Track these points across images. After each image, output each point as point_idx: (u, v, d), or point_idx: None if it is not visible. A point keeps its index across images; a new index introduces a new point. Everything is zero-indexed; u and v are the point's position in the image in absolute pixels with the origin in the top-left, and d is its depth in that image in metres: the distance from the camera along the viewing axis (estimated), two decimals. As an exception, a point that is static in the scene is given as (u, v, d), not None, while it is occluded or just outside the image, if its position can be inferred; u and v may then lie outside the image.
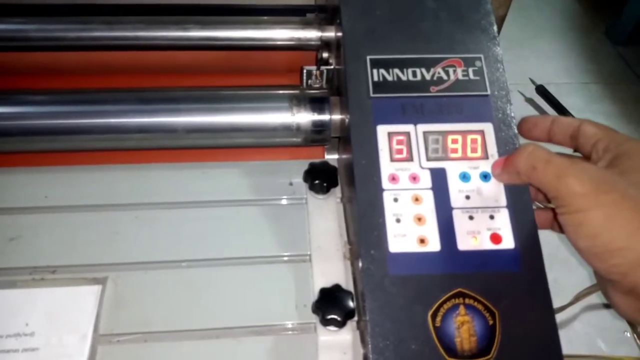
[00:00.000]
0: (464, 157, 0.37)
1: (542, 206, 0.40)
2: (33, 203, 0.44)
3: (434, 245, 0.35)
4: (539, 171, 0.32)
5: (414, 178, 0.37)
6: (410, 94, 0.39)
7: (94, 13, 0.49)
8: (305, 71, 0.47)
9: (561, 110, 1.31)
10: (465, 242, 0.35)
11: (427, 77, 0.39)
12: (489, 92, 0.39)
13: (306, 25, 0.48)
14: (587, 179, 0.31)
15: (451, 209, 0.36)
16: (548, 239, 0.38)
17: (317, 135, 0.44)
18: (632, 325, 0.71)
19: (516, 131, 0.38)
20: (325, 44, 0.47)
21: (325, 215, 0.43)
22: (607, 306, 0.92)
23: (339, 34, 0.43)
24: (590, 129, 0.36)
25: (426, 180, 0.37)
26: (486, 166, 0.37)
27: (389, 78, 0.39)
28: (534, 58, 1.54)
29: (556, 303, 0.34)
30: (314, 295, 0.39)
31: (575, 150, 0.37)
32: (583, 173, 0.31)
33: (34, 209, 0.44)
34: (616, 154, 0.33)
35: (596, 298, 0.88)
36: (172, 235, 0.43)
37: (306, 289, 0.40)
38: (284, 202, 0.45)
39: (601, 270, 0.31)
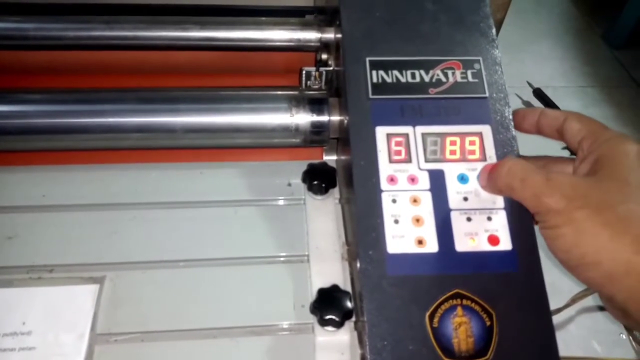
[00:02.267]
0: (462, 159, 0.37)
1: None
2: (31, 202, 0.44)
3: (431, 246, 0.35)
4: (517, 190, 0.34)
5: (413, 179, 0.37)
6: (409, 96, 0.39)
7: (94, 12, 0.49)
8: (304, 72, 0.47)
9: (558, 113, 1.31)
10: (463, 243, 0.35)
11: (426, 79, 0.39)
12: (487, 95, 0.39)
13: (305, 26, 0.48)
14: (561, 197, 0.31)
15: (449, 210, 0.36)
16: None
17: (316, 136, 0.44)
18: (628, 327, 0.71)
19: (514, 133, 0.38)
20: (325, 46, 0.47)
21: (324, 216, 0.43)
22: (602, 309, 0.92)
23: (339, 35, 0.43)
24: (575, 125, 0.36)
25: (424, 181, 0.37)
26: (484, 168, 0.37)
27: (388, 80, 0.39)
28: (532, 61, 1.55)
29: (552, 305, 0.34)
30: (312, 295, 0.39)
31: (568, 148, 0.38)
32: (557, 191, 0.32)
33: (32, 207, 0.44)
34: (598, 156, 0.34)
35: (592, 300, 0.88)
36: (170, 235, 0.43)
37: (304, 289, 0.40)
38: (282, 202, 0.45)
39: (580, 280, 0.32)
